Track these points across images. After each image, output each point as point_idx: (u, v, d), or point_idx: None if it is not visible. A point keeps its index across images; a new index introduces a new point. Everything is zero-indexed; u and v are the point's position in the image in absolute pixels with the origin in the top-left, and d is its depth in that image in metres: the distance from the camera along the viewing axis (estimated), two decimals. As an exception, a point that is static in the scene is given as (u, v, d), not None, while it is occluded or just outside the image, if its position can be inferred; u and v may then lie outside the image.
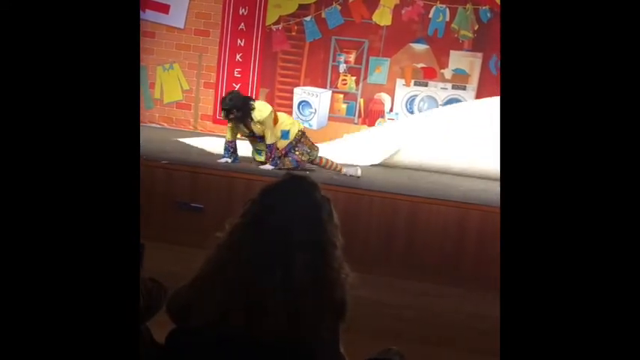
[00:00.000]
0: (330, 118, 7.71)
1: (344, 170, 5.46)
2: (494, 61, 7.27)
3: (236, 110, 5.14)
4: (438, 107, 7.46)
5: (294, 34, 7.69)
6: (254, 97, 6.60)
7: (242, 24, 7.52)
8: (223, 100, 5.32)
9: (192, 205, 4.88)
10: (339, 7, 7.45)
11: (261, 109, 5.22)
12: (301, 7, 7.52)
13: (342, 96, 7.77)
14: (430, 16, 7.38)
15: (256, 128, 5.24)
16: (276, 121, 5.27)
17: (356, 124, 7.56)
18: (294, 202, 1.62)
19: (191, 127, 7.88)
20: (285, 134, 5.31)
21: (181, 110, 7.90)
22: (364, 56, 7.66)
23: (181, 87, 7.86)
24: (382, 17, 7.42)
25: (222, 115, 5.34)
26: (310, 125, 7.47)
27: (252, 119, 5.17)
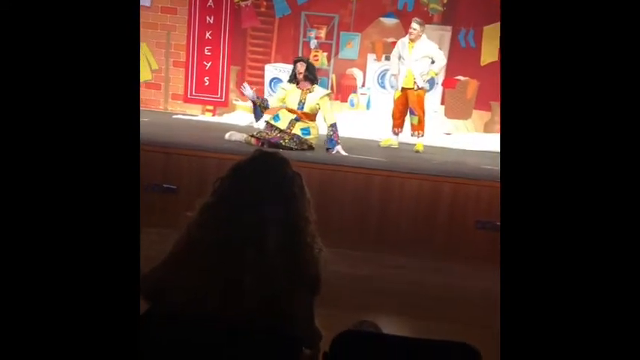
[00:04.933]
0: (302, 95, 7.67)
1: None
2: (464, 34, 7.28)
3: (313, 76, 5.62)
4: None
5: (263, 10, 7.59)
6: (225, 75, 6.55)
7: (210, 1, 7.39)
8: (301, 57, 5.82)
9: (165, 186, 4.83)
10: (307, -18, 7.37)
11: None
12: (269, -18, 7.43)
13: (313, 72, 7.72)
14: (400, -11, 7.35)
15: (315, 103, 5.52)
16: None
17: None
18: (265, 178, 1.61)
19: (161, 107, 7.77)
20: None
21: (150, 90, 7.79)
22: (335, 31, 7.61)
23: (150, 66, 7.73)
24: (352, -9, 7.36)
25: (304, 70, 5.55)
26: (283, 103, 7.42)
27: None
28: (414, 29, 5.96)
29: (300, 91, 5.58)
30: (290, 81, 5.67)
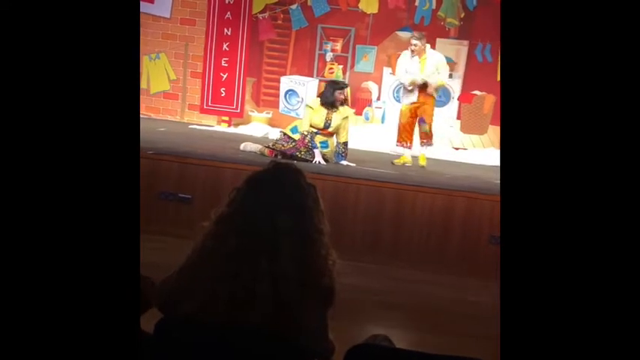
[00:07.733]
0: (317, 107, 7.69)
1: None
2: (480, 48, 7.28)
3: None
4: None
5: (280, 22, 7.65)
6: (241, 86, 6.62)
7: (228, 13, 7.47)
8: (340, 82, 5.79)
9: (180, 195, 4.86)
10: (325, -5, 7.41)
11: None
12: (287, -5, 7.49)
13: (329, 85, 7.76)
14: (416, 3, 7.37)
15: (339, 122, 5.55)
16: None
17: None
18: (280, 189, 1.62)
19: (178, 116, 7.85)
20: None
21: (168, 100, 7.87)
22: (351, 44, 7.64)
23: (168, 77, 7.81)
24: (368, 5, 7.40)
25: (335, 96, 5.54)
26: (297, 114, 7.45)
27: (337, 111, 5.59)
28: (415, 45, 5.89)
29: (325, 110, 5.57)
30: (324, 104, 5.57)
